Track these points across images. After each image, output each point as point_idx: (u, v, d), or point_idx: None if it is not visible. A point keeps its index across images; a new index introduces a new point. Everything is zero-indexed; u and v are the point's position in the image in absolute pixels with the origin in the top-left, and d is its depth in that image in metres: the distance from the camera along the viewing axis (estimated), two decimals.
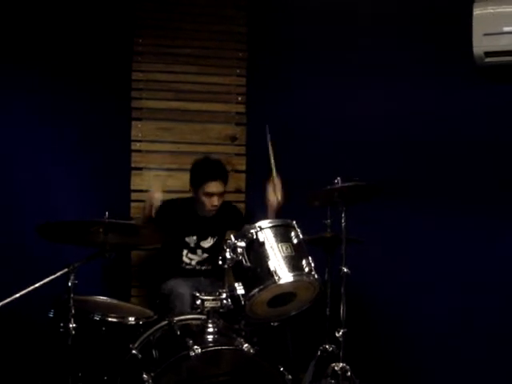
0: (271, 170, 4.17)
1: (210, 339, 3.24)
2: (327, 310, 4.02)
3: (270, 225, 3.33)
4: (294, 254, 3.30)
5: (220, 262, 3.28)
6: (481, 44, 3.93)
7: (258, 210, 4.20)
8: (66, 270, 3.06)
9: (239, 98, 4.91)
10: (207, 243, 4.35)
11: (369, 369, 4.09)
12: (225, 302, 3.23)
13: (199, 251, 4.32)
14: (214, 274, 4.21)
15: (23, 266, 4.19)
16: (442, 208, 4.23)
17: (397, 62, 4.38)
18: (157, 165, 4.78)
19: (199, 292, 3.30)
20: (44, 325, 3.49)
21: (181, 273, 4.28)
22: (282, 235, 3.34)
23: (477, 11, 3.94)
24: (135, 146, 4.75)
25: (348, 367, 3.76)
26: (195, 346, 3.09)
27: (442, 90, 4.25)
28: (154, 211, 4.22)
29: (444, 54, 4.20)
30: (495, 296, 4.09)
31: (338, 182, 3.77)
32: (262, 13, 4.87)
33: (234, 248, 3.26)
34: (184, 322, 3.44)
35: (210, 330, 3.26)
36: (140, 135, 4.76)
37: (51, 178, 4.46)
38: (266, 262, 3.23)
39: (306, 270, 3.29)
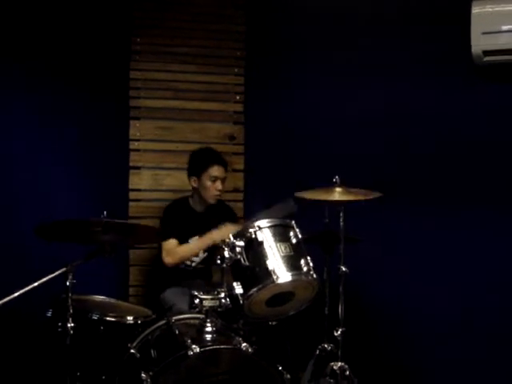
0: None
1: (208, 338, 3.23)
2: (326, 309, 4.02)
3: (269, 224, 3.33)
4: (292, 253, 3.30)
5: (218, 262, 3.28)
6: (479, 43, 3.93)
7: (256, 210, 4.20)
8: (64, 269, 3.06)
9: (237, 97, 4.91)
10: None
11: (367, 368, 4.10)
12: (223, 301, 3.22)
13: (200, 252, 4.32)
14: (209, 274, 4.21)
15: (22, 265, 4.18)
16: (442, 207, 4.23)
17: (395, 62, 4.38)
18: (155, 164, 4.78)
19: (197, 291, 3.29)
20: (42, 324, 3.49)
21: (181, 275, 4.26)
22: (281, 235, 3.34)
23: (475, 10, 3.94)
24: (133, 145, 4.75)
25: (347, 366, 3.77)
26: (194, 346, 3.08)
27: (440, 89, 4.25)
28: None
29: (442, 53, 4.20)
30: (495, 296, 4.09)
31: (336, 181, 3.79)
32: (261, 12, 4.87)
33: (232, 247, 3.26)
34: (182, 322, 3.44)
35: (209, 329, 3.26)
36: (138, 134, 4.76)
37: (49, 177, 4.45)
38: (265, 262, 3.23)
39: (305, 269, 3.29)
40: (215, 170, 4.27)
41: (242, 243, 3.26)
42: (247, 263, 3.25)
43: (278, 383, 3.27)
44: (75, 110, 4.56)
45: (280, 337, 3.87)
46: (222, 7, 4.90)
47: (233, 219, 4.37)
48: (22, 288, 2.98)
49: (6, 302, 2.93)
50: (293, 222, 3.41)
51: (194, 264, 4.31)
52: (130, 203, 4.72)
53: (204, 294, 3.25)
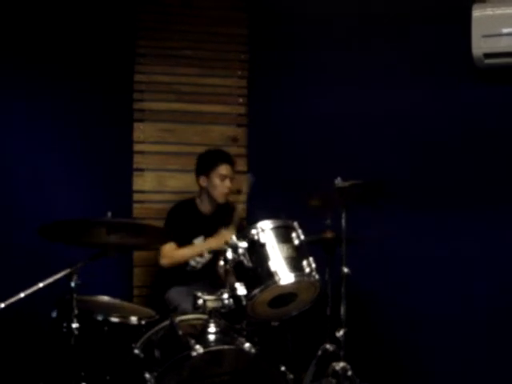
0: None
1: (211, 339, 3.25)
2: (328, 309, 4.04)
3: (272, 226, 3.35)
4: (295, 254, 3.32)
5: (221, 263, 3.31)
6: (480, 46, 3.95)
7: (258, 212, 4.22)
8: (68, 270, 3.08)
9: (240, 100, 4.93)
10: None
11: (369, 368, 4.11)
12: (226, 302, 3.24)
13: (206, 252, 4.33)
14: (214, 275, 4.23)
15: (26, 266, 4.20)
16: (442, 208, 4.24)
17: (397, 64, 4.40)
18: (159, 166, 4.81)
19: (201, 292, 3.32)
20: (47, 325, 3.51)
21: (186, 276, 4.28)
22: (284, 236, 3.35)
23: (476, 13, 3.96)
24: (137, 147, 4.78)
25: (349, 366, 3.79)
26: (197, 346, 3.10)
27: (441, 92, 4.27)
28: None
29: (443, 55, 4.22)
30: (496, 295, 4.10)
31: (338, 182, 3.80)
32: (264, 15, 4.89)
33: (235, 248, 3.28)
34: (186, 322, 3.45)
35: (212, 329, 3.28)
36: (142, 136, 4.79)
37: (53, 179, 4.47)
38: (268, 263, 3.25)
39: (307, 270, 3.31)
40: (224, 169, 4.31)
41: (244, 244, 3.28)
42: (250, 264, 3.27)
43: (281, 383, 3.30)
44: (79, 111, 4.58)
45: (282, 337, 3.89)
46: (226, 10, 4.92)
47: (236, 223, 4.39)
48: (27, 289, 3.00)
49: (12, 303, 2.95)
50: (295, 223, 3.43)
51: (199, 265, 4.34)
52: (134, 205, 4.75)
53: (207, 295, 3.27)
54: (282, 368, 3.35)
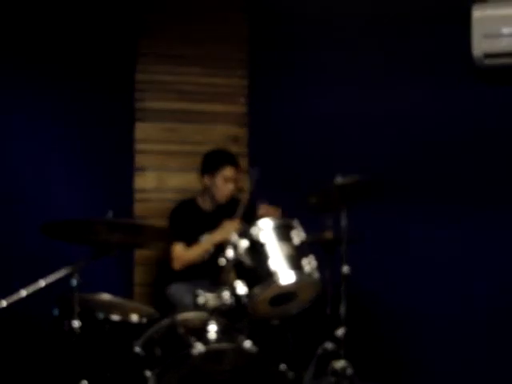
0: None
1: (212, 337, 3.25)
2: (328, 309, 4.05)
3: (272, 225, 3.37)
4: (295, 253, 3.34)
5: (223, 261, 3.32)
6: (480, 46, 3.96)
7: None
8: (70, 268, 3.09)
9: (242, 99, 4.94)
10: None
11: (369, 367, 4.12)
12: (227, 300, 3.26)
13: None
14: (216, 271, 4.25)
15: (28, 264, 4.20)
16: (442, 207, 4.26)
17: (397, 63, 4.41)
18: (160, 165, 4.82)
19: (202, 290, 3.33)
20: (48, 323, 3.52)
21: (188, 273, 4.29)
22: (284, 235, 3.37)
23: (476, 13, 3.96)
24: (139, 146, 4.79)
25: (349, 365, 3.80)
26: (198, 344, 3.12)
27: (441, 92, 4.28)
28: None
29: (444, 55, 4.23)
30: (496, 294, 4.12)
31: (338, 180, 3.81)
32: (264, 14, 4.89)
33: (235, 247, 3.30)
34: (187, 321, 3.46)
35: (213, 328, 3.27)
36: (143, 136, 4.80)
37: (56, 179, 4.48)
38: (268, 262, 3.26)
39: (308, 269, 3.32)
40: (229, 171, 4.30)
41: (245, 243, 3.30)
42: (250, 263, 3.28)
43: (281, 382, 3.30)
44: (80, 111, 4.58)
45: (283, 336, 3.90)
46: (227, 10, 4.93)
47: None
48: (28, 287, 3.01)
49: (13, 302, 2.96)
50: (296, 221, 3.45)
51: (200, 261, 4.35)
52: (136, 204, 4.76)
53: (208, 293, 3.28)
54: (282, 366, 3.35)
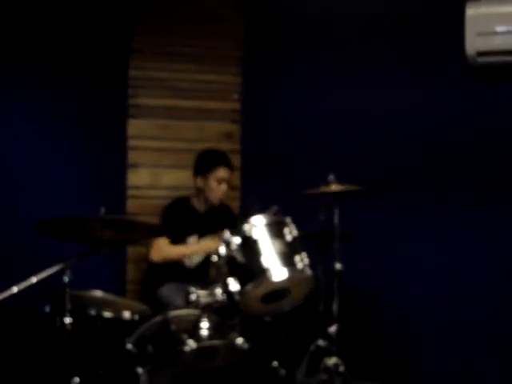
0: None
1: (204, 334, 3.24)
2: (320, 305, 4.06)
3: (265, 221, 3.36)
4: (287, 250, 3.33)
5: (215, 258, 3.32)
6: (474, 44, 3.95)
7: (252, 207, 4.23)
8: (62, 265, 3.09)
9: (235, 96, 4.94)
10: None
11: (361, 364, 4.13)
12: (219, 297, 3.26)
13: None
14: (207, 274, 4.24)
15: (20, 261, 4.19)
16: (436, 205, 4.26)
17: (391, 62, 4.42)
18: (153, 162, 4.82)
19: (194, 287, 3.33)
20: (40, 320, 3.51)
21: (180, 274, 4.28)
22: (276, 232, 3.36)
23: (470, 11, 3.96)
24: (132, 143, 4.79)
25: (341, 362, 3.81)
26: (190, 341, 3.12)
27: (434, 90, 4.29)
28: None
29: (437, 53, 4.24)
30: (493, 293, 4.12)
31: (331, 180, 3.82)
32: (259, 12, 4.90)
33: (228, 244, 3.30)
34: (179, 318, 3.45)
35: (205, 325, 3.27)
36: (136, 132, 4.80)
37: (48, 175, 4.49)
38: (260, 259, 3.25)
39: (300, 266, 3.31)
40: (222, 172, 4.28)
41: (237, 240, 3.30)
42: (243, 260, 3.28)
43: (273, 379, 3.29)
44: (74, 108, 4.58)
45: (275, 333, 3.90)
46: (221, 7, 4.93)
47: (232, 221, 4.37)
48: (21, 284, 3.01)
49: (4, 298, 2.96)
50: (288, 218, 3.45)
51: (194, 262, 4.34)
52: (129, 200, 4.76)
53: (200, 290, 3.28)
54: (275, 363, 3.34)
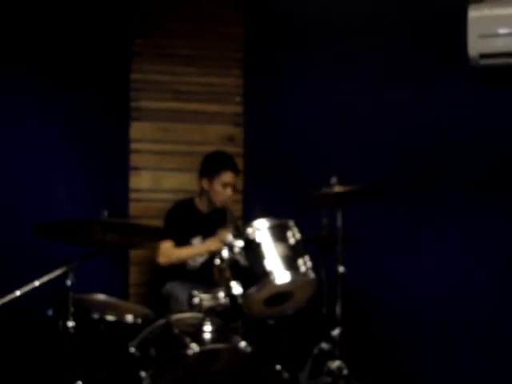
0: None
1: (207, 338, 3.24)
2: (323, 309, 4.05)
3: (268, 225, 3.36)
4: (290, 253, 3.32)
5: (217, 261, 3.32)
6: (476, 46, 3.96)
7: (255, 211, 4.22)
8: (64, 268, 3.08)
9: (237, 99, 4.94)
10: None
11: (365, 367, 4.12)
12: (222, 300, 3.25)
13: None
14: (211, 275, 4.24)
15: (22, 265, 4.20)
16: (441, 207, 4.27)
17: (394, 64, 4.42)
18: (155, 165, 4.81)
19: (197, 291, 3.32)
20: (43, 323, 3.51)
21: (184, 275, 4.28)
22: (279, 235, 3.35)
23: (472, 13, 3.97)
24: (134, 146, 4.79)
25: (344, 365, 3.80)
26: (193, 345, 3.11)
27: (437, 92, 4.29)
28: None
29: (439, 55, 4.24)
30: (494, 294, 4.12)
31: (333, 182, 3.82)
32: (260, 14, 4.90)
33: (231, 247, 3.29)
34: (182, 321, 3.46)
35: (208, 328, 3.27)
36: (138, 135, 4.80)
37: (51, 178, 4.48)
38: (263, 262, 3.25)
39: (303, 269, 3.31)
40: (227, 176, 4.27)
41: (240, 243, 3.29)
42: (246, 263, 3.27)
43: (276, 382, 3.29)
44: (76, 111, 4.58)
45: (278, 336, 3.90)
46: (222, 9, 4.93)
47: (232, 221, 4.37)
48: (23, 287, 3.00)
49: (7, 301, 2.95)
50: (291, 222, 3.44)
51: (198, 265, 4.34)
52: (131, 203, 4.76)
53: (203, 294, 3.28)
54: (278, 367, 3.34)
